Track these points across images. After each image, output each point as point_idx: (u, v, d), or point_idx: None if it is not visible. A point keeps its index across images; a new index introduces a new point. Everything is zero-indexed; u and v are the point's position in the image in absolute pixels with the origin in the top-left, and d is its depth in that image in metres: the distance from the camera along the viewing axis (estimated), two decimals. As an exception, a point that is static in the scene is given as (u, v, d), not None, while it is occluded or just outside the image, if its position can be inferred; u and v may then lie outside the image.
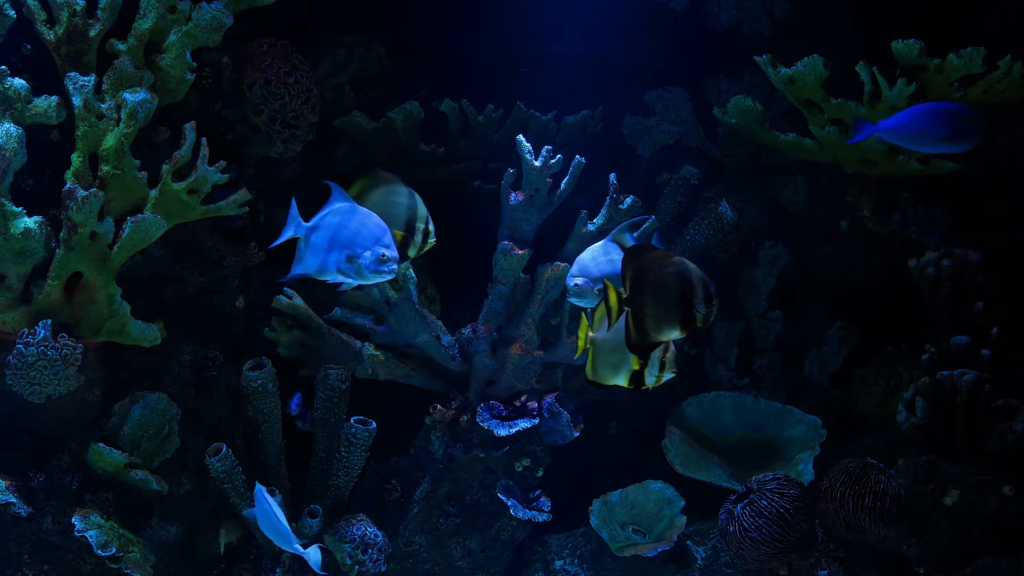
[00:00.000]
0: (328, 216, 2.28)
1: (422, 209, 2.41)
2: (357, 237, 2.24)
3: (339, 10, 3.20)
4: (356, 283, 2.30)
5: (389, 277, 2.27)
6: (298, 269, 2.31)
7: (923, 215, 3.00)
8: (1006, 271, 2.84)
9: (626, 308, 2.19)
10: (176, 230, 2.51)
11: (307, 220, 2.31)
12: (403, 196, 2.42)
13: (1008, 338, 2.67)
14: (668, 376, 2.35)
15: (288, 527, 2.45)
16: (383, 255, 2.23)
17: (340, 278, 2.28)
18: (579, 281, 2.40)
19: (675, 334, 2.20)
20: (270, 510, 2.44)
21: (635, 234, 2.60)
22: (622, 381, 2.36)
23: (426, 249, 2.44)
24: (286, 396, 2.83)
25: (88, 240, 2.31)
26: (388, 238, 2.25)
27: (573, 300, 2.43)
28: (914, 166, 2.79)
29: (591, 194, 2.88)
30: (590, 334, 2.36)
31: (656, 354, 2.31)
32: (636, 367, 2.33)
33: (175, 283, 2.76)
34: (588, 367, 2.39)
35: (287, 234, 2.31)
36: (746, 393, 3.22)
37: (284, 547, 2.48)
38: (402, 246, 2.38)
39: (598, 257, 2.43)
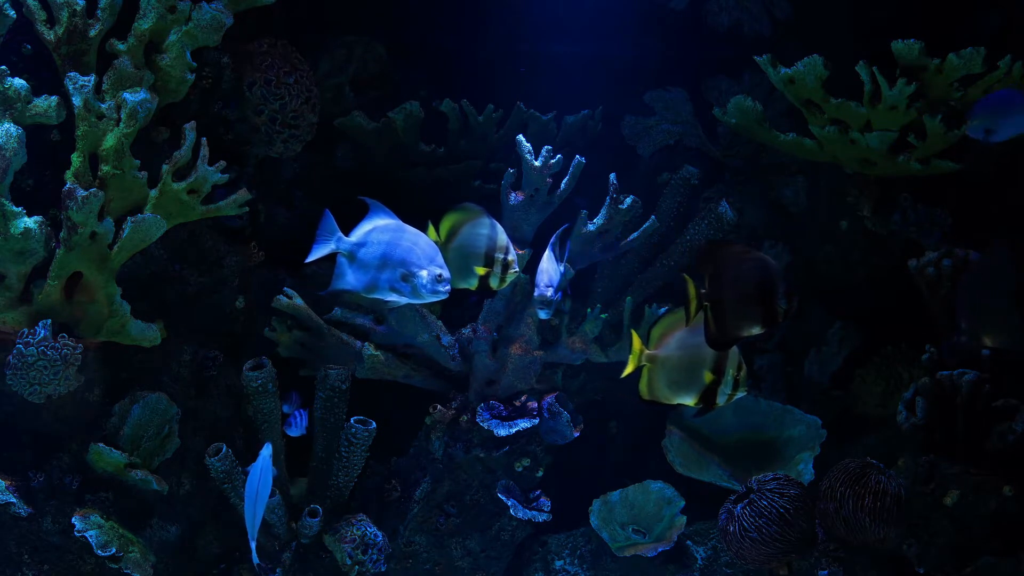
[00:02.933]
0: (375, 232, 2.22)
1: (502, 239, 2.38)
2: (411, 256, 2.19)
3: (339, 10, 3.20)
4: (405, 301, 2.25)
5: (444, 297, 2.23)
6: (341, 284, 2.25)
7: (923, 215, 3.00)
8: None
9: (705, 303, 2.18)
10: (176, 230, 2.51)
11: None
12: (484, 227, 2.38)
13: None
14: (740, 394, 2.32)
15: (260, 517, 2.38)
16: (440, 274, 2.20)
17: (392, 296, 2.23)
18: (550, 293, 2.39)
19: (756, 329, 2.19)
20: (259, 478, 2.38)
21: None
22: (688, 400, 2.33)
23: (508, 281, 2.41)
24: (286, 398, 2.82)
25: (88, 240, 2.31)
26: (441, 258, 2.22)
27: (540, 310, 2.41)
28: (914, 166, 2.79)
29: (591, 194, 2.89)
30: (647, 351, 2.33)
31: (731, 371, 2.29)
32: (709, 383, 2.29)
33: (175, 283, 2.76)
34: (643, 386, 2.35)
35: (327, 248, 2.24)
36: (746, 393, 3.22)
37: (246, 522, 2.40)
38: (484, 279, 2.36)
39: (552, 266, 2.43)
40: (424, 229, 2.32)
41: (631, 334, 2.35)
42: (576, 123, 3.32)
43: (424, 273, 2.19)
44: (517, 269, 2.40)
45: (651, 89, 3.45)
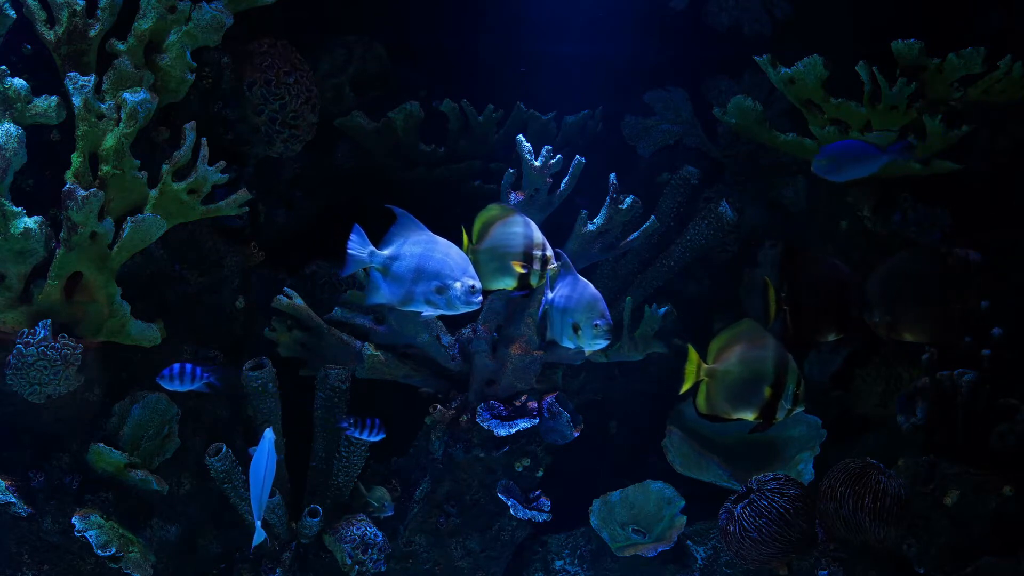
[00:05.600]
0: (407, 245, 2.22)
1: (538, 236, 2.35)
2: (444, 268, 2.19)
3: (339, 10, 3.20)
4: (439, 313, 2.25)
5: (476, 308, 2.24)
6: (376, 298, 2.25)
7: (923, 215, 2.99)
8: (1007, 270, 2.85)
9: (784, 307, 2.19)
10: (176, 230, 2.51)
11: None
12: (519, 226, 2.35)
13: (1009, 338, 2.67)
14: (798, 410, 2.32)
15: (264, 497, 2.39)
16: (473, 285, 2.20)
17: (427, 309, 2.23)
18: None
19: (832, 336, 2.20)
20: (264, 462, 2.38)
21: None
22: (748, 415, 2.32)
23: (548, 277, 2.38)
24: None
25: (88, 240, 2.31)
26: (472, 268, 2.22)
27: (602, 342, 2.34)
28: (914, 166, 2.79)
29: (591, 194, 2.88)
30: (705, 365, 2.32)
31: (790, 386, 2.29)
32: (768, 398, 2.29)
33: (175, 283, 2.76)
34: (701, 400, 2.35)
35: (361, 262, 2.23)
36: (747, 393, 3.21)
37: (252, 503, 2.41)
38: (523, 276, 2.34)
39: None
40: (456, 234, 2.30)
41: (688, 349, 2.33)
42: (576, 123, 3.32)
43: (458, 285, 2.19)
44: (555, 264, 2.38)
45: (651, 89, 3.45)
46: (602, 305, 2.35)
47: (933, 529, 2.52)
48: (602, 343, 2.36)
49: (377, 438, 2.69)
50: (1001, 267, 2.84)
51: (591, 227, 2.80)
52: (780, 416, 2.31)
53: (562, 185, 2.75)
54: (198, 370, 2.47)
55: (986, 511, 2.48)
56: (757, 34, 3.35)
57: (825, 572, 2.57)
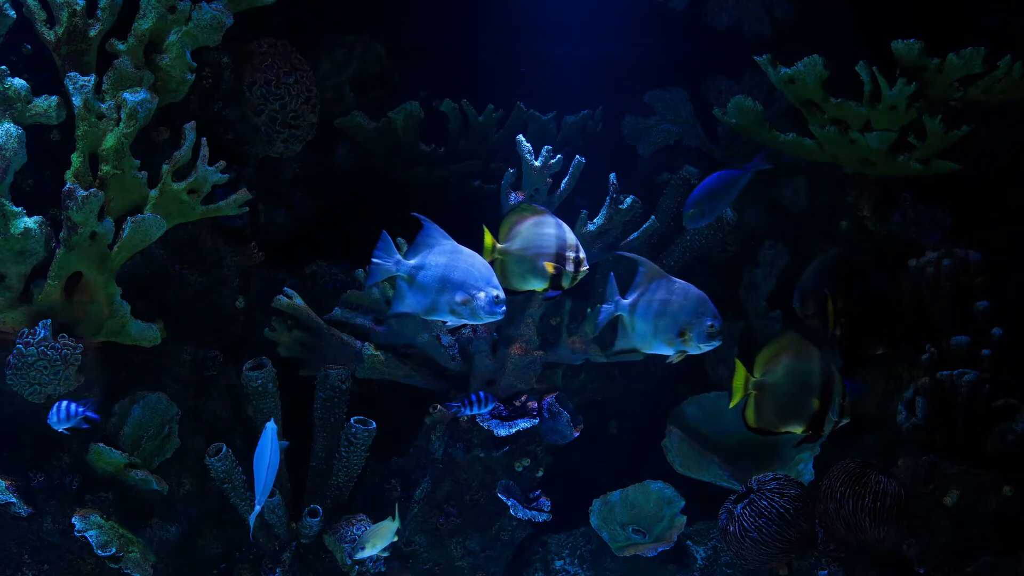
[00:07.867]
0: (432, 255, 2.22)
1: (571, 238, 2.33)
2: (469, 278, 2.19)
3: (339, 10, 3.20)
4: (463, 323, 2.26)
5: (500, 318, 2.24)
6: (402, 307, 2.25)
7: (923, 215, 2.99)
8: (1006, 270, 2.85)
9: (841, 320, 2.24)
10: (176, 230, 2.51)
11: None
12: (551, 227, 2.33)
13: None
14: (844, 422, 2.31)
15: (268, 486, 2.39)
16: (497, 296, 2.20)
17: (451, 318, 2.23)
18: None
19: (881, 348, 2.20)
20: (267, 455, 2.39)
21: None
22: (797, 428, 2.30)
23: (579, 279, 2.35)
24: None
25: (88, 240, 2.31)
26: (496, 278, 2.22)
27: (711, 345, 2.29)
28: (914, 166, 2.79)
29: (591, 194, 2.89)
30: (752, 378, 2.30)
31: (837, 398, 2.28)
32: (816, 410, 2.27)
33: (175, 283, 2.76)
34: (750, 414, 2.32)
35: (386, 271, 2.23)
36: (747, 393, 3.21)
37: (255, 492, 2.41)
38: (555, 277, 2.32)
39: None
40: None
41: (735, 363, 2.31)
42: (576, 123, 3.32)
43: (482, 295, 2.19)
44: (588, 267, 2.35)
45: (651, 89, 3.45)
46: (711, 304, 2.29)
47: (933, 529, 2.52)
48: (716, 344, 2.30)
49: (489, 407, 2.73)
50: (1001, 267, 2.84)
51: (591, 227, 2.80)
52: (827, 428, 2.29)
53: (562, 185, 2.75)
54: (72, 406, 2.39)
55: (986, 511, 2.48)
56: (757, 34, 3.35)
57: (825, 572, 2.57)
